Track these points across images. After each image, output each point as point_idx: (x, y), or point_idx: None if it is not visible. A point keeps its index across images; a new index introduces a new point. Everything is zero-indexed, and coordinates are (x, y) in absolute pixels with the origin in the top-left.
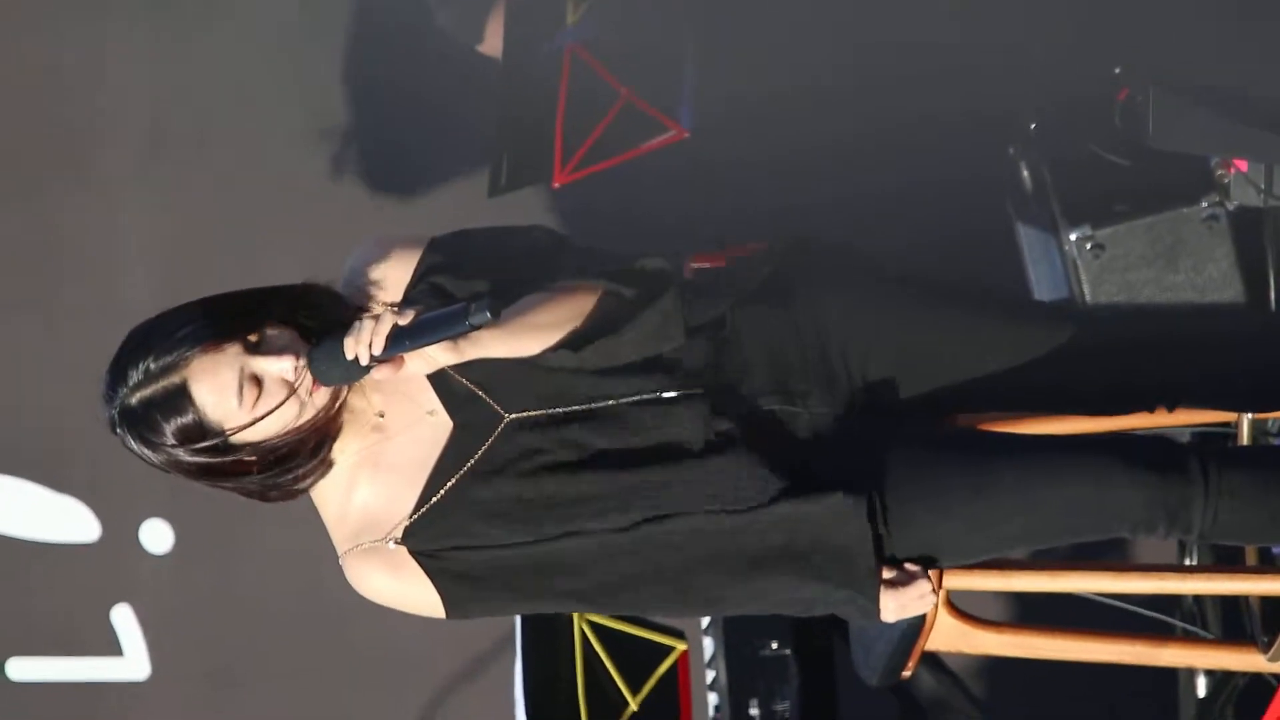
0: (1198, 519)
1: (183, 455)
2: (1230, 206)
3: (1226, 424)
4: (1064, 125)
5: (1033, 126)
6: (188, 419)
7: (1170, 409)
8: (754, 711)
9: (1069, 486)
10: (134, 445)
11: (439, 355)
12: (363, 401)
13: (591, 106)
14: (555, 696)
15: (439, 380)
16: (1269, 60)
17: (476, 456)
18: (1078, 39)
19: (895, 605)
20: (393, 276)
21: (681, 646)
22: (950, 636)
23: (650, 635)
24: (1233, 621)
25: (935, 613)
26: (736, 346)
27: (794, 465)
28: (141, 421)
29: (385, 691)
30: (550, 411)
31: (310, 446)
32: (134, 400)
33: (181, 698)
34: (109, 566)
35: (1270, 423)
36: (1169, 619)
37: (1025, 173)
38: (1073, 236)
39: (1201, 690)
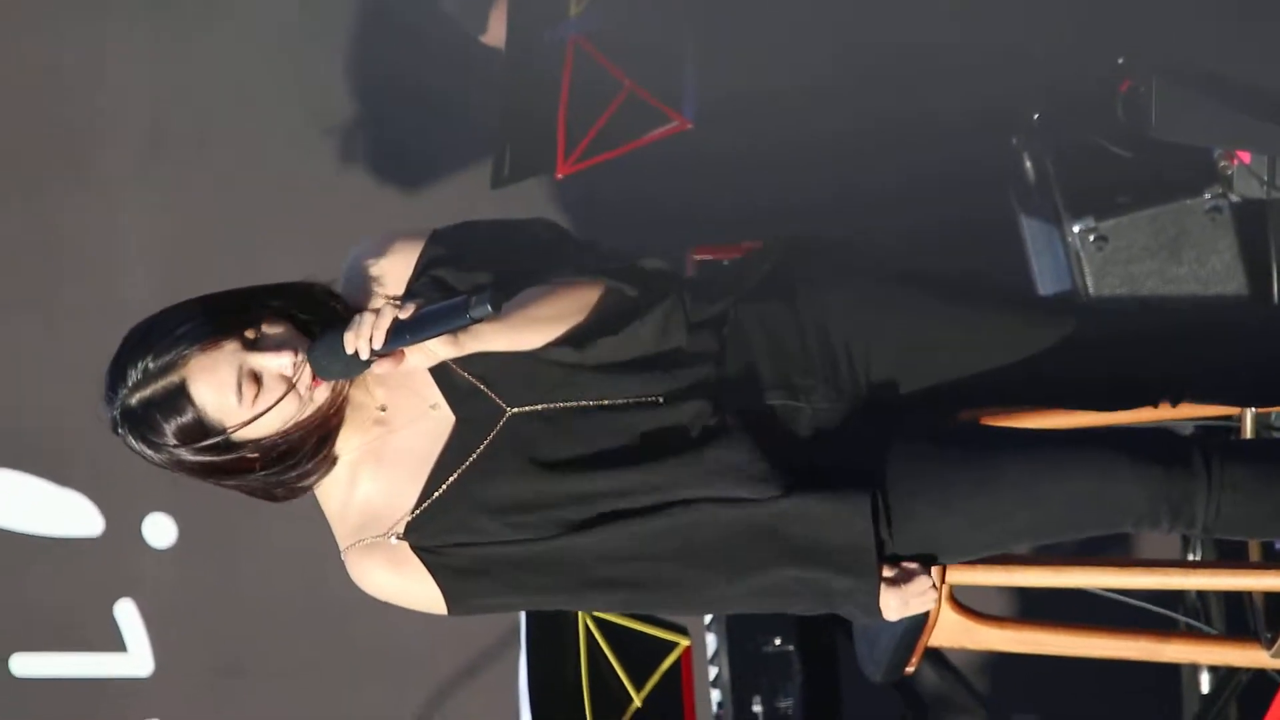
0: (1201, 513)
1: (185, 454)
2: (1233, 198)
3: (1229, 418)
4: (1067, 117)
5: (1035, 117)
6: (188, 418)
7: (1174, 403)
8: (757, 708)
9: (1072, 481)
10: (136, 445)
11: (439, 349)
12: (365, 396)
13: (595, 97)
14: (560, 692)
15: (441, 374)
16: (1269, 60)
17: (478, 451)
18: (1078, 39)
19: (897, 603)
20: (394, 270)
21: (685, 642)
22: (954, 632)
23: (654, 631)
24: (1236, 617)
25: (939, 608)
26: (738, 343)
27: (797, 461)
28: (142, 422)
29: (388, 687)
30: (552, 406)
31: (312, 443)
32: (134, 400)
33: (184, 693)
34: (112, 561)
35: (1273, 416)
36: (1172, 614)
37: (1028, 164)
38: (1076, 228)
39: (1205, 686)
